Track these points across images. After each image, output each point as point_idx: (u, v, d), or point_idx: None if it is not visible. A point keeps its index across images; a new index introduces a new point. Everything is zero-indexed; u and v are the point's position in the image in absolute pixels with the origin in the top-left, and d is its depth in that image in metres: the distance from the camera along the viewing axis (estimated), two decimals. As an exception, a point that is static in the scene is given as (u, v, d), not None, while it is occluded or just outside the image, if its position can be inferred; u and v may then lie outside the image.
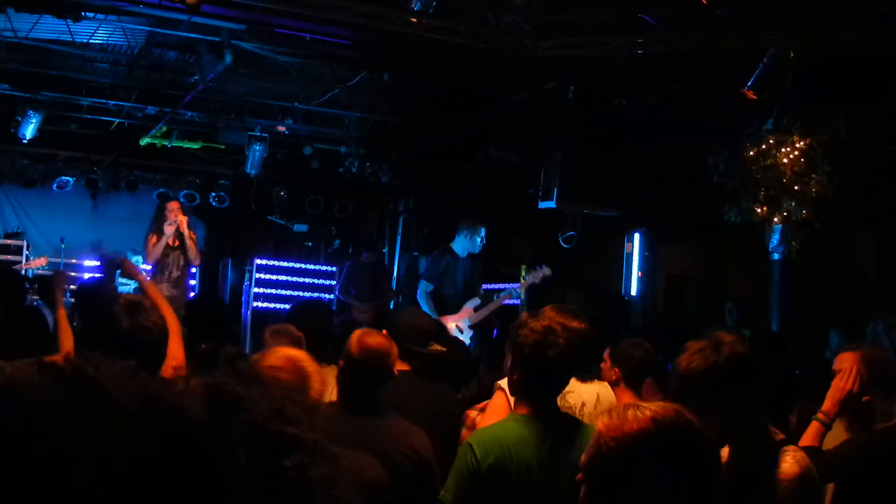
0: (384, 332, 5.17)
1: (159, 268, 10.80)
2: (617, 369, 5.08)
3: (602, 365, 5.27)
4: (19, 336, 4.60)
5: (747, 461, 3.39)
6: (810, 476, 3.36)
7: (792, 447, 3.43)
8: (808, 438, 4.25)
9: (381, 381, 4.33)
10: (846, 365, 4.40)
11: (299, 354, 3.73)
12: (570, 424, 4.14)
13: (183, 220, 10.81)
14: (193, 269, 12.32)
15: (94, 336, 4.36)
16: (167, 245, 10.78)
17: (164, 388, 1.14)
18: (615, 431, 2.24)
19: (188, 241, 10.79)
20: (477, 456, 3.88)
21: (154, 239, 10.84)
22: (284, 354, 3.69)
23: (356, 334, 4.41)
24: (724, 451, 3.52)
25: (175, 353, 4.51)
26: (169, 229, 10.71)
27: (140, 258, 14.67)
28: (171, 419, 1.10)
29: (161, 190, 15.03)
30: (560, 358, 4.03)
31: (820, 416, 4.28)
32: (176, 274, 10.88)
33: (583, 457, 2.35)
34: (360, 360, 4.28)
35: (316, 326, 5.62)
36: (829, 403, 4.28)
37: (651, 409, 2.28)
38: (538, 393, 4.11)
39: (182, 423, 1.10)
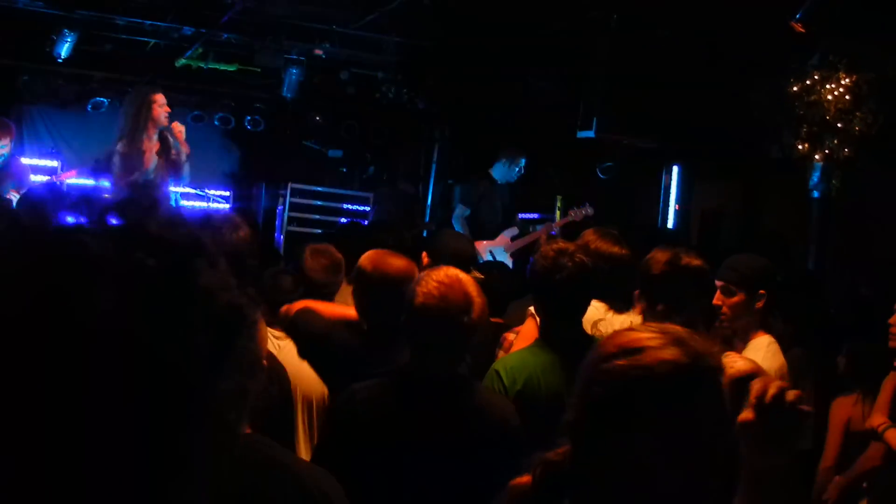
0: (423, 254, 5.17)
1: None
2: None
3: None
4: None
5: None
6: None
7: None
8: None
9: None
10: None
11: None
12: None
13: (180, 129, 8.43)
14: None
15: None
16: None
17: None
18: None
19: (184, 153, 8.45)
20: (504, 382, 3.86)
21: (126, 147, 8.04)
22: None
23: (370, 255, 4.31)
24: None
25: None
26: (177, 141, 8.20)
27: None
28: None
29: (196, 112, 14.99)
30: (569, 281, 3.98)
31: None
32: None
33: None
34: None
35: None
36: None
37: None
38: (554, 317, 4.09)
39: None
